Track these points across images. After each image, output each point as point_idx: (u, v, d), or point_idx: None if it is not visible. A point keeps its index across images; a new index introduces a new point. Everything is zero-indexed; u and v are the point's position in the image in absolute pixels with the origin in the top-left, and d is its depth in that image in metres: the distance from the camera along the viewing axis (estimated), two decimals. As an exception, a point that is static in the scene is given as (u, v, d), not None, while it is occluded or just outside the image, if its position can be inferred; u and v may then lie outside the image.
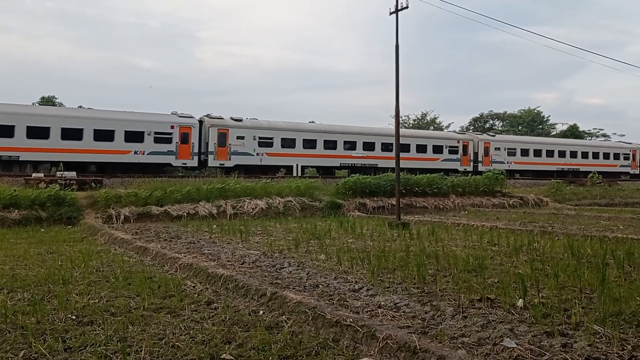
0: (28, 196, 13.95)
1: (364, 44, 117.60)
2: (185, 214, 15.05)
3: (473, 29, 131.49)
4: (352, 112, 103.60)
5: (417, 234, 10.54)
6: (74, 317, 4.67)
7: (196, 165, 29.46)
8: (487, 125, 73.46)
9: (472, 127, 72.03)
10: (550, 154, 42.79)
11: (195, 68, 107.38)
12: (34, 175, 20.68)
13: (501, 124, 74.07)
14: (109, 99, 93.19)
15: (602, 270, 5.69)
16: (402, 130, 38.76)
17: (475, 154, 39.42)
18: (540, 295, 5.14)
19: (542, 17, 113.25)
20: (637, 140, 53.12)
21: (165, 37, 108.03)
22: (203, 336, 4.16)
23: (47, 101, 53.32)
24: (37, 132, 25.08)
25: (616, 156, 46.95)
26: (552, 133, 68.21)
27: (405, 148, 34.52)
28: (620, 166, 47.13)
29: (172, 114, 30.02)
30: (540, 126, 70.83)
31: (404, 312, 4.75)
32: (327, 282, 6.04)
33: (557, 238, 9.78)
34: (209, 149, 29.61)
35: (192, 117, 30.16)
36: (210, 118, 30.77)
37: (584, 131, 68.63)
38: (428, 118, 68.26)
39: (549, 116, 73.34)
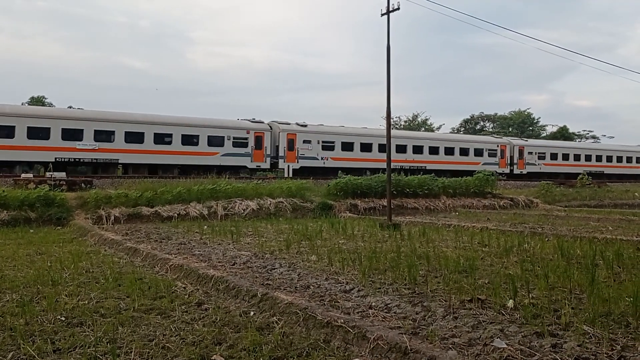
0: (17, 197, 13.82)
1: (355, 45, 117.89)
2: (176, 214, 14.98)
3: (464, 31, 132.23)
4: (343, 113, 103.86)
5: (408, 234, 10.57)
6: (63, 319, 4.63)
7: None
8: (478, 126, 73.83)
9: (462, 129, 72.36)
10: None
11: (187, 68, 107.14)
12: (23, 175, 20.51)
13: (492, 125, 74.48)
14: (99, 99, 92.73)
15: (591, 271, 5.73)
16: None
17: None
18: (530, 295, 5.17)
19: (532, 20, 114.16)
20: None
21: (156, 37, 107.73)
22: (193, 337, 4.14)
23: (37, 101, 52.93)
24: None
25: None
26: (542, 135, 68.66)
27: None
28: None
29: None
30: (531, 128, 71.30)
31: (395, 312, 4.75)
32: (319, 283, 6.03)
33: (547, 239, 9.83)
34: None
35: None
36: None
37: (573, 133, 69.17)
38: (419, 119, 68.51)
39: (539, 118, 73.92)
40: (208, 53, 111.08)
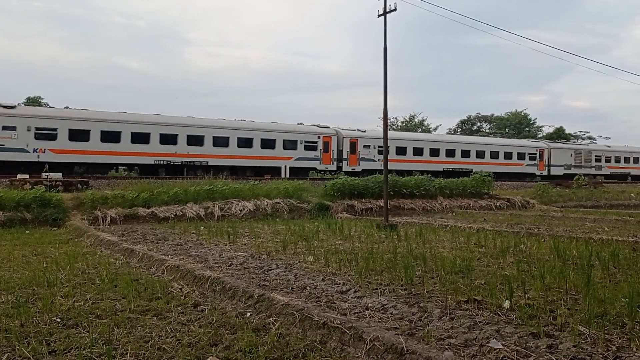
0: (13, 197, 13.77)
1: (352, 46, 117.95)
2: (172, 215, 14.95)
3: (461, 32, 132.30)
4: (340, 113, 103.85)
5: (404, 235, 10.57)
6: (58, 320, 4.62)
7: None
8: (475, 127, 73.96)
9: (459, 130, 72.48)
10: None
11: (183, 69, 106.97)
12: (19, 176, 20.43)
13: (488, 126, 74.62)
14: (96, 100, 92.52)
15: (587, 271, 5.74)
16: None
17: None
18: (526, 296, 5.18)
19: (529, 21, 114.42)
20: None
21: (153, 38, 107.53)
22: (190, 338, 4.13)
23: (33, 101, 52.82)
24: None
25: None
26: (539, 135, 68.79)
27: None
28: None
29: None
30: (527, 129, 71.47)
31: (391, 313, 4.75)
32: (315, 283, 6.03)
33: (543, 240, 9.85)
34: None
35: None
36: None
37: (570, 134, 69.34)
38: (416, 120, 68.58)
39: (536, 119, 74.12)
40: (205, 54, 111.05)
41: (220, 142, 30.07)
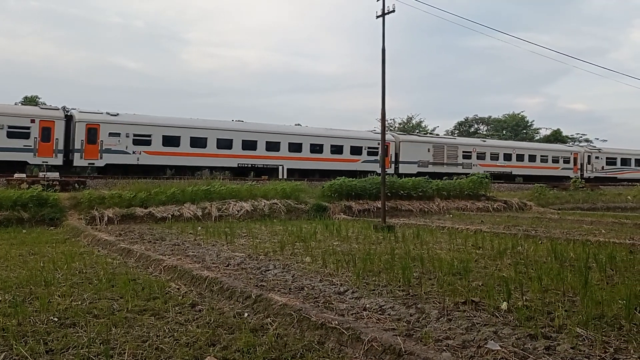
0: (10, 197, 13.74)
1: (350, 47, 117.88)
2: (169, 215, 14.94)
3: (459, 34, 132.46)
4: (337, 115, 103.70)
5: (402, 236, 10.58)
6: (56, 319, 4.61)
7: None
8: (472, 129, 74.08)
9: (457, 131, 72.59)
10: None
11: (182, 69, 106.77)
12: (16, 175, 20.39)
13: (486, 128, 74.76)
14: (93, 100, 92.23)
15: (584, 273, 5.75)
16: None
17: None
18: (524, 298, 5.18)
19: (527, 23, 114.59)
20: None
21: (151, 38, 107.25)
22: (187, 338, 4.13)
23: (30, 101, 52.64)
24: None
25: None
26: (536, 138, 68.94)
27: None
28: None
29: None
30: (525, 131, 71.60)
31: (389, 314, 4.75)
32: (313, 284, 6.03)
33: (540, 242, 9.87)
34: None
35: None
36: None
37: (567, 136, 69.50)
38: (414, 122, 68.62)
39: (533, 121, 74.14)
40: (203, 54, 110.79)
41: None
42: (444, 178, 29.17)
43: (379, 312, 4.82)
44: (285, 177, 30.91)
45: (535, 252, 8.44)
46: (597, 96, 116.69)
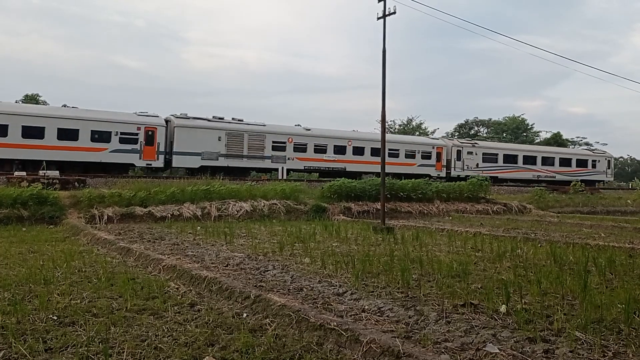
0: (10, 195, 13.73)
1: (350, 48, 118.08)
2: (169, 215, 14.93)
3: (459, 36, 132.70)
4: (337, 116, 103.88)
5: (401, 238, 10.58)
6: (55, 318, 4.61)
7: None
8: (472, 131, 74.11)
9: (457, 133, 72.62)
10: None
11: (181, 68, 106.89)
12: (16, 173, 20.39)
13: (486, 130, 74.77)
14: (94, 98, 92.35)
15: (584, 277, 5.76)
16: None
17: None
18: (523, 301, 5.19)
19: (527, 26, 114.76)
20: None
21: (151, 37, 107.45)
22: (186, 338, 4.13)
23: (31, 99, 52.66)
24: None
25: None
26: (536, 141, 68.96)
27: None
28: None
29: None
30: (525, 134, 71.62)
31: (387, 316, 4.76)
32: (311, 285, 6.03)
33: (540, 245, 9.87)
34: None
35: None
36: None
37: (567, 139, 69.52)
38: (414, 123, 68.64)
39: (533, 124, 74.18)
40: (202, 53, 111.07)
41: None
42: (252, 174, 30.48)
43: (378, 314, 4.82)
44: (285, 177, 30.90)
45: (535, 255, 8.44)
46: (598, 99, 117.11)
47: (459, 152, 40.40)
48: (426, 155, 38.93)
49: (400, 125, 68.88)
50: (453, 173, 39.37)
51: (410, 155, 38.30)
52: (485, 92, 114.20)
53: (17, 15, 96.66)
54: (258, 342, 4.06)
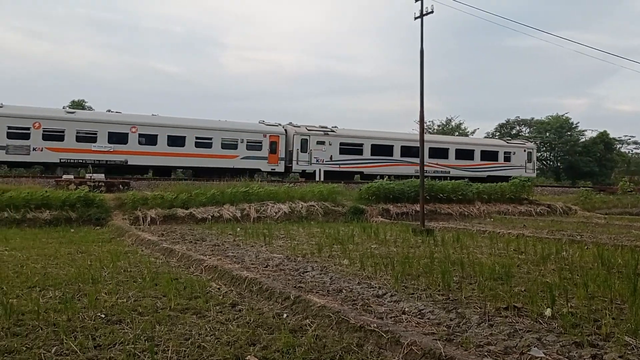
0: (59, 197, 14.29)
1: (385, 48, 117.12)
2: (209, 216, 15.20)
3: (500, 33, 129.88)
4: (372, 117, 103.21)
5: (441, 240, 10.46)
6: (103, 316, 4.76)
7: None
8: (514, 131, 72.49)
9: (498, 133, 71.18)
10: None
11: (219, 73, 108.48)
12: (64, 176, 21.14)
13: (528, 130, 73.00)
14: (135, 103, 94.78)
15: (633, 280, 5.57)
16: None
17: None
18: (569, 304, 5.05)
19: (571, 22, 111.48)
20: None
21: (190, 43, 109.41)
22: (228, 337, 4.20)
23: (77, 105, 54.45)
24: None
25: None
26: (581, 140, 66.90)
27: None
28: None
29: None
30: (569, 133, 69.57)
31: (428, 318, 4.72)
32: (351, 287, 6.03)
33: (586, 247, 9.59)
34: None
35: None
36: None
37: (614, 138, 67.18)
38: (453, 124, 67.65)
39: (578, 122, 71.87)
40: (239, 58, 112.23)
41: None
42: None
43: (418, 316, 4.78)
44: (322, 179, 31.01)
45: (581, 257, 8.20)
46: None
47: (304, 142, 32.99)
48: (254, 146, 31.71)
49: (439, 126, 68.03)
50: (295, 167, 32.63)
51: (230, 145, 31.05)
52: (527, 91, 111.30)
53: (63, 24, 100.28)
54: (298, 343, 4.09)
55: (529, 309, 4.86)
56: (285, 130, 33.13)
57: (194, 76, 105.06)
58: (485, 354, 3.74)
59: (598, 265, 7.32)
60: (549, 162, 67.24)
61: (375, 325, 4.23)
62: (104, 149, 27.75)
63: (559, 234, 12.32)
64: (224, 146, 30.67)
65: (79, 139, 27.36)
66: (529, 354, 3.68)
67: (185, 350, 3.90)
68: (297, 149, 32.84)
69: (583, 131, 70.86)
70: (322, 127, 34.78)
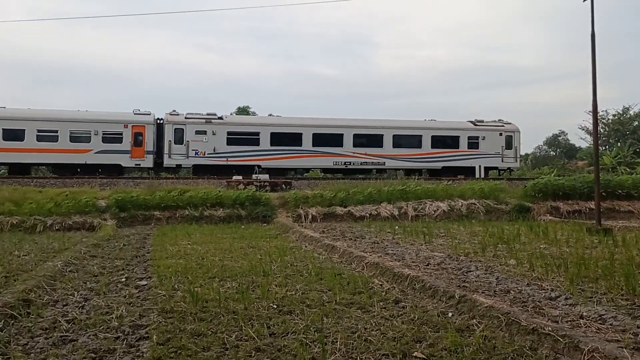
0: (230, 196, 15.67)
1: (546, 37, 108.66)
2: (367, 214, 15.46)
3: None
4: (534, 109, 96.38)
5: (622, 241, 9.42)
6: (275, 306, 5.10)
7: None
8: None
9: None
10: None
11: (373, 72, 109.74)
12: (234, 177, 23.04)
13: None
14: (293, 106, 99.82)
15: None
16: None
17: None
18: None
19: None
20: None
21: (344, 45, 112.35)
22: (393, 333, 4.24)
23: (242, 111, 59.04)
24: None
25: None
26: None
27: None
28: None
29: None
30: None
31: (610, 324, 4.29)
32: (519, 288, 5.72)
33: None
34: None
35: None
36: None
37: None
38: (631, 112, 60.43)
39: None
40: (393, 56, 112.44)
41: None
42: None
43: (599, 322, 4.38)
44: (482, 176, 29.72)
45: None
46: None
47: (178, 132, 28.76)
48: (112, 138, 28.08)
49: (614, 115, 61.26)
50: (168, 162, 28.65)
51: (80, 137, 27.73)
52: None
53: (229, 36, 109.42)
54: (466, 342, 3.98)
55: None
56: (160, 120, 29.34)
57: (349, 77, 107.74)
58: (686, 368, 3.29)
59: None
60: None
61: (550, 328, 3.96)
62: None
63: None
64: (73, 139, 27.34)
65: None
66: None
67: (352, 343, 4.02)
68: (170, 140, 28.47)
69: None
70: (210, 114, 29.73)
